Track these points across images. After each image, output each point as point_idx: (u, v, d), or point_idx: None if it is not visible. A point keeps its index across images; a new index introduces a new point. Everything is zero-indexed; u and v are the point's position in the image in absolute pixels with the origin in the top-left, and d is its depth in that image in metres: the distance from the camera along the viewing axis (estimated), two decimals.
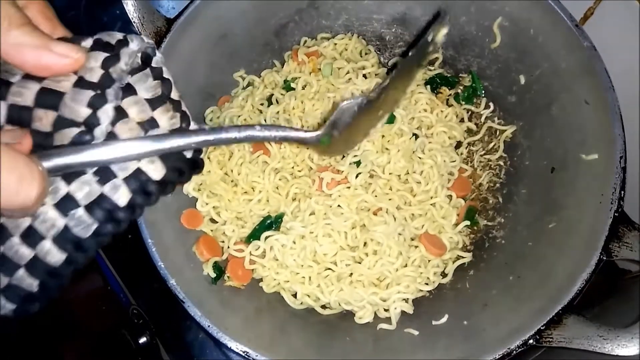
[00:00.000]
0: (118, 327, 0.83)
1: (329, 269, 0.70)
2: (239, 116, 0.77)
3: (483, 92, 0.82)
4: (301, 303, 0.70)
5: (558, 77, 0.70)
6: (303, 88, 0.78)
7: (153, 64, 0.41)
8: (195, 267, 0.67)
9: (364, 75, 0.79)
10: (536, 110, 0.74)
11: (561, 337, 0.56)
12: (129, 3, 0.67)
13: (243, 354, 0.59)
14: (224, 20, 0.76)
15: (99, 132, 0.37)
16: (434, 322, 0.67)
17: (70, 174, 0.37)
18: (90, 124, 0.37)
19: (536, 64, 0.73)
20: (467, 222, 0.75)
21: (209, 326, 0.59)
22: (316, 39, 0.85)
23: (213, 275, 0.67)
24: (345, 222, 0.69)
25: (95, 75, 0.38)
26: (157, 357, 0.82)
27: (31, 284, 0.37)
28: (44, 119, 0.37)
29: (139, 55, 0.40)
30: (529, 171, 0.74)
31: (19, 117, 0.38)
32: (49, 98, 0.38)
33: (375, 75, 0.80)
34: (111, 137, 0.38)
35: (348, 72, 0.79)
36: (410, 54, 0.49)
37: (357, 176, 0.72)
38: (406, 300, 0.70)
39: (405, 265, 0.70)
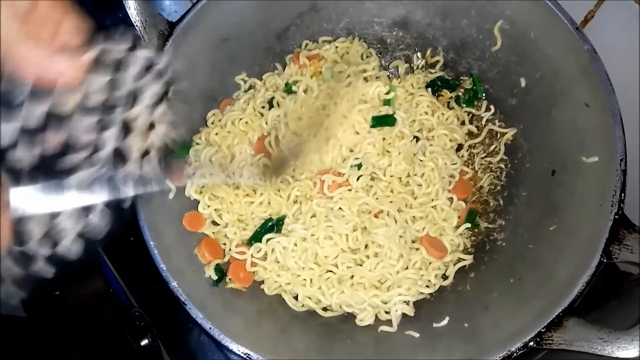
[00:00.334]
0: (119, 329, 0.83)
1: (330, 271, 0.70)
2: (241, 119, 0.77)
3: (484, 94, 0.82)
4: (302, 305, 0.70)
5: (558, 79, 0.70)
6: (304, 92, 0.79)
7: (158, 68, 0.41)
8: (197, 269, 0.68)
9: (365, 79, 0.80)
10: (537, 112, 0.74)
11: (562, 340, 0.56)
12: (132, 6, 0.67)
13: (244, 356, 0.59)
14: (226, 23, 0.76)
15: (104, 154, 0.38)
16: (434, 325, 0.67)
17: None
18: (96, 146, 0.38)
19: (537, 67, 0.73)
20: (468, 225, 0.75)
21: (210, 328, 0.59)
22: (317, 42, 0.85)
23: (215, 277, 0.68)
24: (347, 224, 0.70)
25: (97, 99, 0.39)
26: (158, 359, 0.82)
27: None
28: (50, 142, 0.38)
29: (145, 62, 0.41)
30: (529, 174, 0.75)
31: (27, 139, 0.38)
32: (54, 121, 0.38)
33: (377, 78, 0.80)
34: (118, 154, 0.38)
35: (349, 76, 0.79)
36: None
37: (358, 179, 0.72)
38: (407, 303, 0.70)
39: (406, 268, 0.70)
